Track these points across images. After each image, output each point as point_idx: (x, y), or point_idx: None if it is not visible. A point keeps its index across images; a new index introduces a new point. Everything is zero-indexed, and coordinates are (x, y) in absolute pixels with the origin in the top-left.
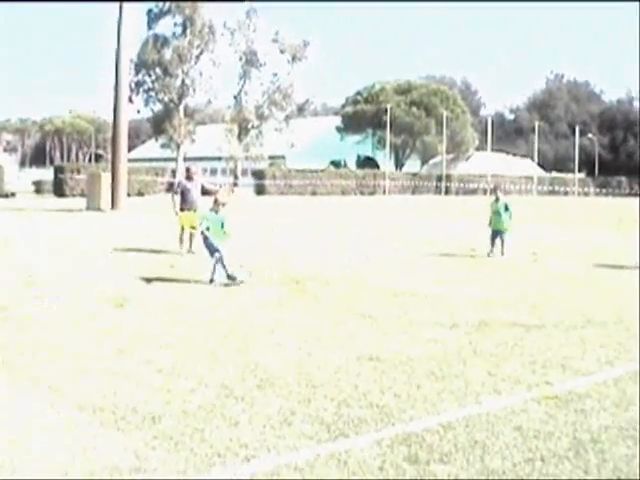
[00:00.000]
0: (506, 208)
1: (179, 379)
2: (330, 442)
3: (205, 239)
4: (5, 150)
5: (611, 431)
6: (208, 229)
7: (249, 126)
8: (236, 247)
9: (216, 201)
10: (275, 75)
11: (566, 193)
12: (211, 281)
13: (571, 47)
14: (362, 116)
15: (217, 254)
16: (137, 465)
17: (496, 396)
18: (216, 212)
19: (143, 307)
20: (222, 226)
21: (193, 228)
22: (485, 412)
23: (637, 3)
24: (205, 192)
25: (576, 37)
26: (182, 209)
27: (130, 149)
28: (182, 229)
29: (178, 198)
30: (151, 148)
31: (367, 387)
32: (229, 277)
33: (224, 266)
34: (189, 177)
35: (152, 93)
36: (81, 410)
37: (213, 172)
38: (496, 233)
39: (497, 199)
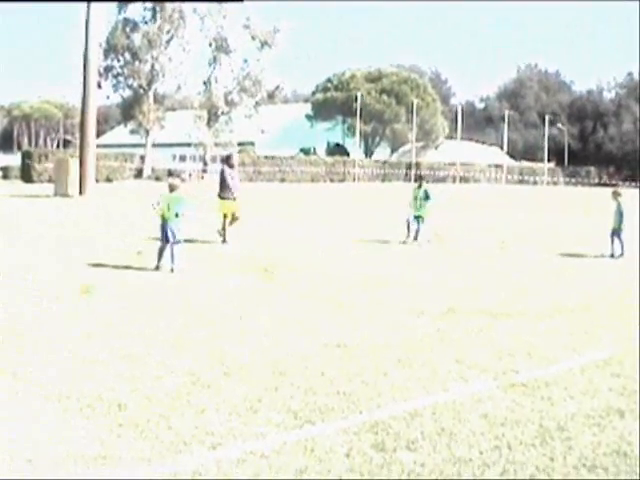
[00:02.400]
0: (427, 196)
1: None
2: (297, 429)
3: (172, 224)
4: None
5: (577, 419)
6: (177, 215)
7: (218, 112)
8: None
9: (172, 188)
10: (245, 61)
11: (535, 182)
12: (169, 270)
13: (543, 37)
14: (332, 103)
15: (179, 244)
16: (102, 453)
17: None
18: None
19: (108, 295)
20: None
21: (234, 217)
22: (452, 400)
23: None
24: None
25: (549, 27)
26: (223, 197)
27: (99, 135)
28: (224, 217)
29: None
30: (120, 134)
31: (334, 374)
32: (157, 267)
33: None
34: (231, 164)
35: (121, 78)
36: (46, 398)
37: (182, 158)
38: (415, 218)
39: (420, 186)
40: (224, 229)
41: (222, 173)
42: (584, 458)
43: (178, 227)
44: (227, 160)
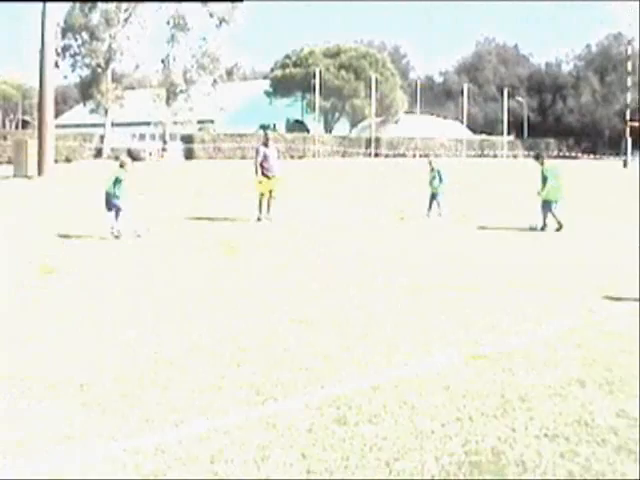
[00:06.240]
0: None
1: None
2: (259, 405)
3: (117, 198)
4: None
5: (538, 389)
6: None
7: (177, 91)
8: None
9: (122, 164)
10: (203, 39)
11: (495, 156)
12: (117, 237)
13: (502, 10)
14: (291, 80)
15: (122, 212)
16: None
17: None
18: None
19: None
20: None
21: (272, 194)
22: (414, 373)
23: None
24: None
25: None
26: (262, 175)
27: (57, 115)
28: (262, 195)
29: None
30: (79, 114)
31: (297, 350)
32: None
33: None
34: (266, 143)
35: (79, 58)
36: (9, 378)
37: (142, 137)
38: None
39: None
40: (260, 207)
41: (257, 152)
42: (545, 429)
43: (122, 198)
44: (264, 139)
